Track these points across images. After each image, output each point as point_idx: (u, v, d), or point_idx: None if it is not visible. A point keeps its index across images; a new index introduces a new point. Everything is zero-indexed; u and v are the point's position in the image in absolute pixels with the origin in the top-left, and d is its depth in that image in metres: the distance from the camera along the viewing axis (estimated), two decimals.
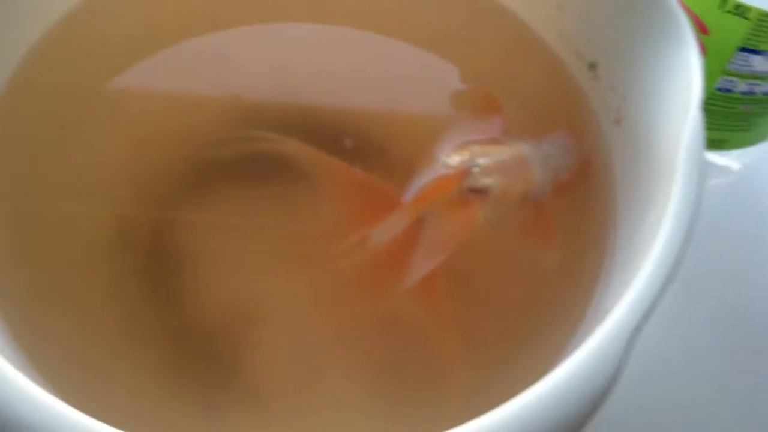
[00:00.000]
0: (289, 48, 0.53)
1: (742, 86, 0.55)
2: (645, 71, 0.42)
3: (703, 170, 0.36)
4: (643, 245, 0.36)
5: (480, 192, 0.43)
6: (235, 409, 0.42)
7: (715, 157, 0.63)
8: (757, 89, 0.55)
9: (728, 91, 0.55)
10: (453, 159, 0.44)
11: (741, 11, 0.50)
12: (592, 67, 0.47)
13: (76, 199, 0.46)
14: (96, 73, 0.50)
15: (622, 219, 0.44)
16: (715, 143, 0.59)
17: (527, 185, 0.45)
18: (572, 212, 0.47)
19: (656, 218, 0.36)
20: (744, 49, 0.52)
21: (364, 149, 0.48)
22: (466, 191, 0.43)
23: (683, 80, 0.39)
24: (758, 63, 0.53)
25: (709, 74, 0.53)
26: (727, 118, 0.57)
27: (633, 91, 0.43)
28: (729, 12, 0.50)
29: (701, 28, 0.52)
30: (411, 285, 0.43)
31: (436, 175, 0.44)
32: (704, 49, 0.52)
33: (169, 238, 0.46)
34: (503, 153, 0.45)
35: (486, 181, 0.43)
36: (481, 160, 0.44)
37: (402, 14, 0.53)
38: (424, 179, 0.44)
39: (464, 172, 0.43)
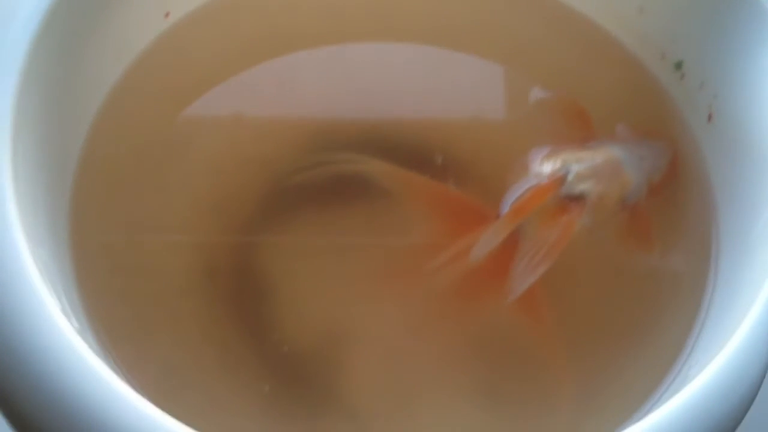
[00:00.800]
0: (361, 68, 0.53)
1: None
2: (736, 68, 0.42)
3: None
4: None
5: (577, 199, 0.43)
6: (333, 431, 0.42)
7: None
8: None
9: None
10: (546, 167, 0.44)
11: None
12: (678, 66, 0.46)
13: (164, 230, 0.46)
14: (173, 103, 0.50)
15: (723, 216, 0.43)
16: None
17: (623, 189, 0.44)
18: (669, 212, 0.47)
19: None
20: None
21: (451, 165, 0.48)
22: (563, 199, 0.43)
23: None
24: None
25: None
26: None
27: (725, 88, 0.42)
28: None
29: None
30: (513, 297, 0.42)
31: (530, 185, 0.44)
32: None
33: (257, 264, 0.46)
34: (596, 158, 0.44)
35: (582, 187, 0.43)
36: (575, 167, 0.43)
37: (475, 28, 0.53)
38: (518, 190, 0.44)
39: (559, 180, 0.43)
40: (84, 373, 0.29)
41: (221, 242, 0.46)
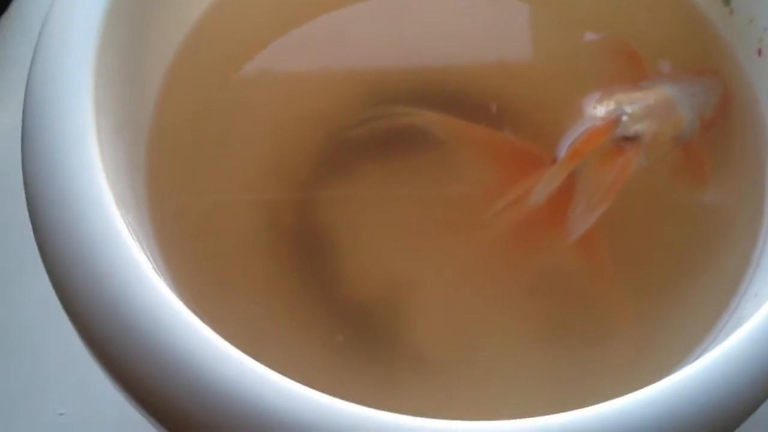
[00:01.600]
0: (413, 18, 0.53)
1: None
2: None
3: None
4: None
5: (632, 139, 0.44)
6: (404, 378, 0.44)
7: None
8: None
9: None
10: (599, 110, 0.45)
11: None
12: (727, 1, 0.47)
13: (232, 191, 0.48)
14: (232, 66, 0.51)
15: None
16: None
17: (676, 127, 0.45)
18: (722, 148, 0.47)
19: None
20: None
21: (506, 112, 0.49)
22: (618, 140, 0.44)
23: None
24: None
25: None
26: None
27: None
28: None
29: None
30: (572, 240, 0.44)
31: (585, 128, 0.45)
32: None
33: (319, 218, 0.47)
34: (648, 98, 0.45)
35: (637, 127, 0.44)
36: (629, 108, 0.44)
37: None
38: (573, 134, 0.45)
39: (614, 121, 0.44)
40: (181, 327, 0.31)
41: (285, 199, 0.48)
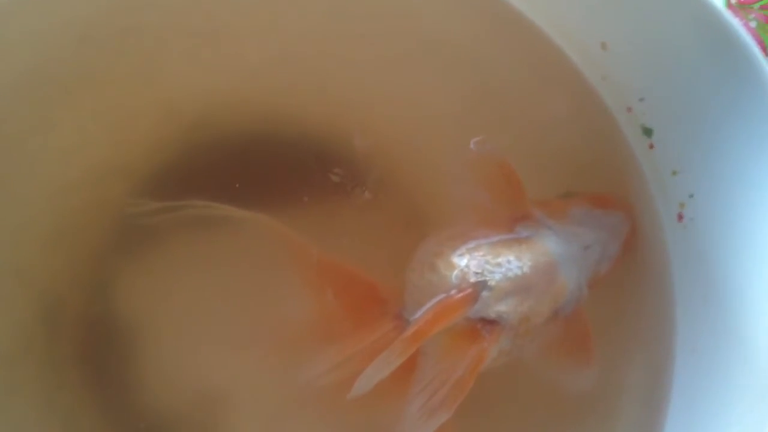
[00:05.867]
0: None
1: None
2: (728, 167, 0.30)
3: None
4: None
5: (492, 322, 0.33)
6: None
7: None
8: None
9: None
10: (457, 271, 0.33)
11: None
12: (647, 133, 0.35)
13: None
14: None
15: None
16: None
17: (556, 301, 0.34)
18: (617, 315, 0.37)
19: None
20: None
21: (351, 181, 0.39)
22: (476, 320, 0.33)
23: None
24: None
25: None
26: None
27: (705, 191, 0.31)
28: None
29: None
30: None
31: (437, 298, 0.33)
32: None
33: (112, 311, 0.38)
34: (523, 259, 0.33)
35: (500, 308, 0.33)
36: (495, 276, 0.33)
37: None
38: (422, 294, 0.34)
39: (471, 296, 0.33)
40: None
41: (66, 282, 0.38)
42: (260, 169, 0.40)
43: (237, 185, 0.39)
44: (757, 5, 0.38)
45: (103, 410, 0.37)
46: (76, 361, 0.38)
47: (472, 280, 0.33)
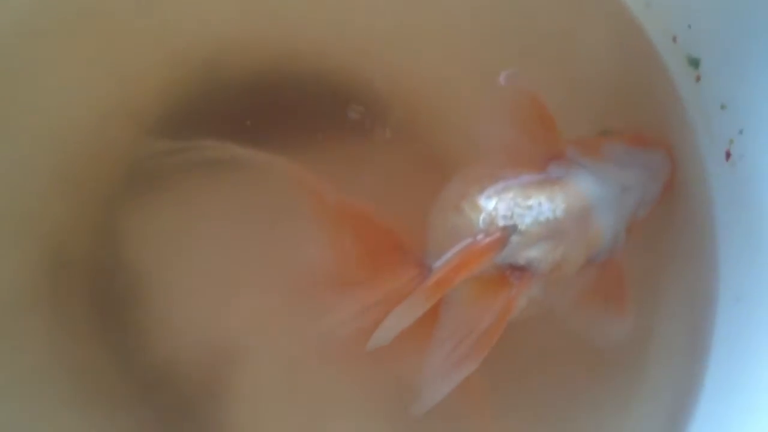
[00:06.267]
0: None
1: None
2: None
3: None
4: None
5: (522, 269, 0.31)
6: None
7: None
8: None
9: None
10: (485, 213, 0.31)
11: None
12: (694, 63, 0.32)
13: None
14: None
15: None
16: None
17: (590, 248, 0.31)
18: (656, 263, 0.34)
19: None
20: None
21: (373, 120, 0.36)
22: (504, 267, 0.31)
23: None
24: None
25: None
26: None
27: (757, 127, 0.29)
28: None
29: None
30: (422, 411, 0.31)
31: (464, 243, 0.31)
32: None
33: (123, 257, 0.37)
34: (556, 202, 0.31)
35: (530, 254, 0.30)
36: (526, 220, 0.30)
37: None
38: (447, 238, 0.31)
39: (499, 240, 0.30)
40: None
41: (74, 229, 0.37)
42: (275, 108, 0.38)
43: (248, 123, 0.37)
44: None
45: (112, 362, 0.36)
46: (83, 312, 0.36)
47: (501, 223, 0.30)
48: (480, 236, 0.30)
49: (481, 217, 0.31)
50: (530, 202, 0.31)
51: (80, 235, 0.37)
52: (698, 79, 0.32)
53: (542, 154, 0.33)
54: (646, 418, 0.34)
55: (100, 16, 0.38)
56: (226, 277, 0.37)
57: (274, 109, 0.38)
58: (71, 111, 0.37)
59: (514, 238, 0.30)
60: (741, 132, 0.30)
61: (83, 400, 0.36)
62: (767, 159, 0.29)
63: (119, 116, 0.38)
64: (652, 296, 0.35)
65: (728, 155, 0.31)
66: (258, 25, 0.39)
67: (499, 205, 0.31)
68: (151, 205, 0.37)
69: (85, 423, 0.35)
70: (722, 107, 0.31)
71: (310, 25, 0.39)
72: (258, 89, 0.38)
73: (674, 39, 0.33)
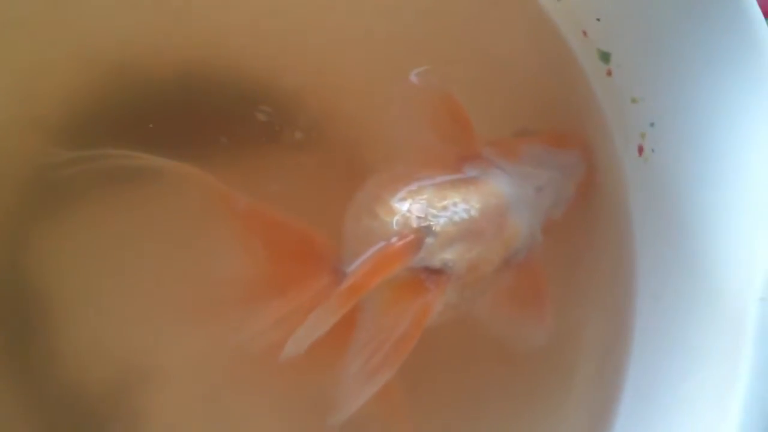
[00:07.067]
0: None
1: None
2: (691, 93, 0.27)
3: None
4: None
5: (438, 272, 0.30)
6: None
7: None
8: None
9: None
10: (401, 211, 0.30)
11: None
12: (604, 58, 0.31)
13: None
14: None
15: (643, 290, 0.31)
16: None
17: (507, 248, 0.31)
18: (574, 258, 0.34)
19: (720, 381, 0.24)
20: None
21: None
22: (419, 270, 0.30)
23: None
24: None
25: None
26: None
27: (667, 119, 0.28)
28: None
29: None
30: (341, 419, 0.30)
31: (377, 247, 0.30)
32: None
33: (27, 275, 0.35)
34: (471, 202, 0.30)
35: (446, 256, 0.30)
36: (440, 221, 0.30)
37: None
38: (359, 241, 0.30)
39: (414, 243, 0.29)
40: None
41: None
42: (183, 112, 0.37)
43: (152, 126, 0.35)
44: None
45: (16, 386, 0.34)
46: None
47: (415, 225, 0.30)
48: (394, 239, 0.30)
49: (395, 220, 0.30)
50: (445, 202, 0.30)
51: None
52: (609, 73, 0.32)
53: (457, 154, 0.32)
54: (573, 417, 0.33)
55: (5, 19, 0.36)
56: (135, 291, 0.35)
57: (182, 113, 0.37)
58: None
59: (429, 240, 0.29)
60: (652, 125, 0.30)
61: None
62: (678, 151, 0.29)
63: (21, 123, 0.36)
64: (571, 298, 0.34)
65: (641, 150, 0.31)
66: (165, 27, 0.37)
67: (413, 206, 0.30)
68: (55, 219, 0.36)
69: None
70: (633, 101, 0.31)
71: (218, 27, 0.37)
72: (165, 92, 0.37)
73: (584, 33, 0.32)
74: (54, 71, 0.37)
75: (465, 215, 0.30)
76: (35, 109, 0.36)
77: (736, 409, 0.23)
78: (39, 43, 0.37)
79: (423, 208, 0.30)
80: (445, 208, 0.30)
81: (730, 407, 0.24)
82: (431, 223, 0.30)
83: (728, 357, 0.25)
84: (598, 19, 0.31)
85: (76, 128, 0.36)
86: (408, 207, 0.30)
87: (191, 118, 0.36)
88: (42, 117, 0.36)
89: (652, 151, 0.30)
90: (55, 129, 0.36)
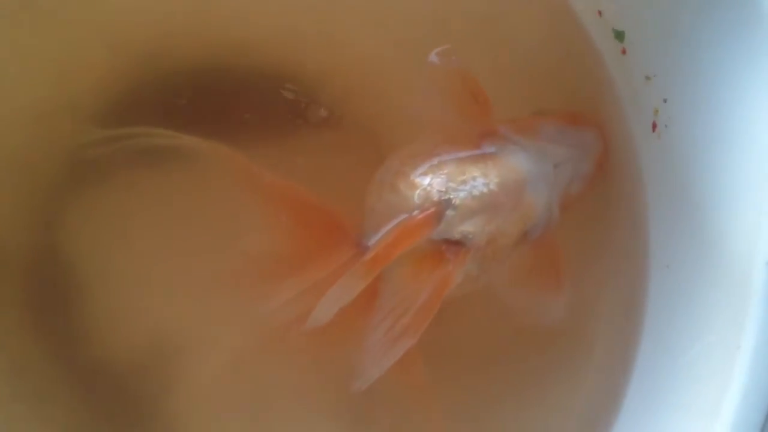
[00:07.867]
0: None
1: None
2: (703, 69, 0.28)
3: None
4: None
5: (458, 243, 0.31)
6: None
7: None
8: None
9: None
10: (420, 189, 0.31)
11: None
12: (619, 37, 0.32)
13: None
14: None
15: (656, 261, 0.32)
16: None
17: (525, 222, 0.32)
18: (590, 236, 0.35)
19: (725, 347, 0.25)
20: None
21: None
22: (439, 242, 0.31)
23: None
24: None
25: None
26: None
27: (680, 95, 0.29)
28: None
29: None
30: (361, 387, 0.31)
31: (398, 218, 0.31)
32: None
33: (60, 254, 0.36)
34: (490, 176, 0.31)
35: (465, 228, 0.31)
36: (460, 194, 0.31)
37: None
38: (382, 213, 0.32)
39: (434, 215, 0.30)
40: None
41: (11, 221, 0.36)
42: (213, 94, 0.38)
43: (183, 101, 0.36)
44: None
45: (52, 356, 0.36)
46: (21, 305, 0.36)
47: (436, 199, 0.31)
48: (415, 212, 0.31)
49: (417, 194, 0.31)
50: (465, 177, 0.31)
51: (18, 227, 0.36)
52: (624, 52, 0.33)
53: (476, 131, 0.33)
54: (588, 387, 0.35)
55: (40, 8, 0.37)
56: (165, 266, 0.37)
57: (210, 93, 0.38)
58: (10, 102, 0.37)
59: (449, 213, 0.31)
60: (665, 101, 0.31)
61: (21, 395, 0.35)
62: (691, 127, 0.30)
63: (59, 106, 0.38)
64: (586, 271, 0.35)
65: (654, 126, 0.32)
66: (195, 11, 0.38)
67: (433, 181, 0.31)
68: (90, 196, 0.37)
69: (27, 416, 0.35)
70: (647, 78, 0.32)
71: (245, 11, 0.38)
72: (196, 75, 0.38)
73: (599, 13, 0.33)
74: (90, 57, 0.38)
75: (484, 189, 0.31)
76: (73, 92, 0.38)
77: (743, 368, 0.25)
78: (75, 31, 0.38)
79: (443, 182, 0.31)
80: (464, 182, 0.31)
81: (741, 363, 0.25)
82: (451, 196, 0.31)
83: (736, 318, 0.26)
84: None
85: (109, 111, 0.38)
86: (429, 181, 0.31)
87: (219, 98, 0.37)
88: (77, 100, 0.38)
89: (665, 127, 0.31)
90: (89, 112, 0.38)
